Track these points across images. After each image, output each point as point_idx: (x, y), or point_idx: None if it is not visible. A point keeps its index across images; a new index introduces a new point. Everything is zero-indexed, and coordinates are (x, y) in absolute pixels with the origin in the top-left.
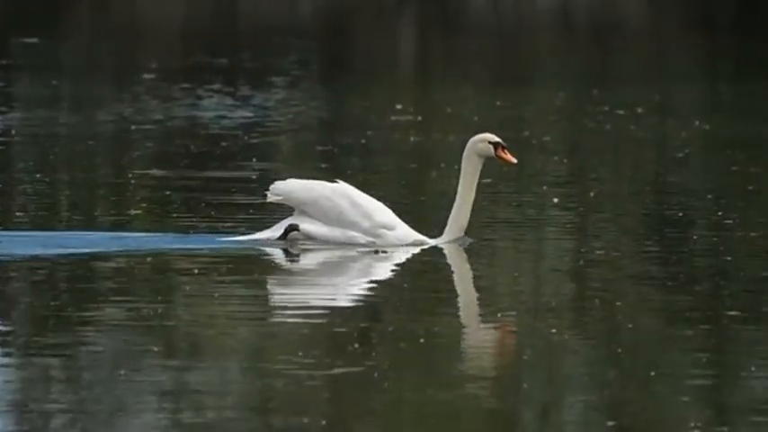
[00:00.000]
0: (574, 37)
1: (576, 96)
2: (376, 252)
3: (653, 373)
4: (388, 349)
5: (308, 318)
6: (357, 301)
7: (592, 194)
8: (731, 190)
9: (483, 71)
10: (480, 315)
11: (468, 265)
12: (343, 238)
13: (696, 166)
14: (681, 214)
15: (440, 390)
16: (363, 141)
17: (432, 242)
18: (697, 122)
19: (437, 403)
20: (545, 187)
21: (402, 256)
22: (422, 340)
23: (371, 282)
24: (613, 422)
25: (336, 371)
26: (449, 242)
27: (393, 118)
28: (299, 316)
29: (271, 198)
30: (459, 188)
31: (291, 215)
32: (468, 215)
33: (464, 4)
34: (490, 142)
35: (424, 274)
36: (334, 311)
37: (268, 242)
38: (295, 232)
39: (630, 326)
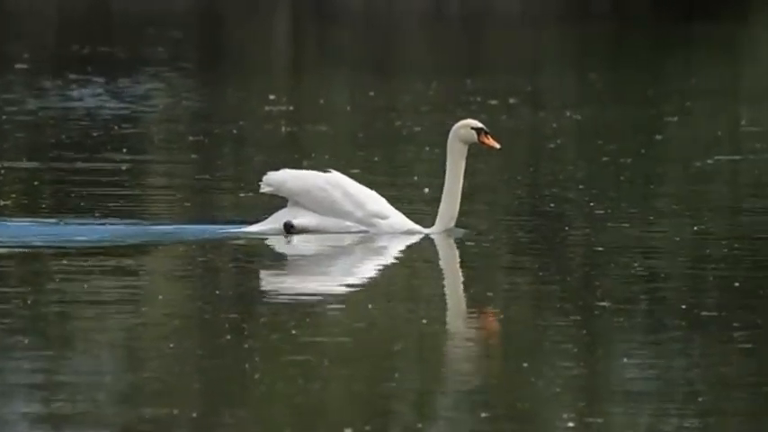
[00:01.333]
0: (447, 27)
1: (449, 86)
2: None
3: (525, 364)
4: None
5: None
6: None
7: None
8: (602, 180)
9: (356, 61)
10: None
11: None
12: (337, 228)
13: (567, 156)
14: (553, 205)
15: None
16: (235, 131)
17: (425, 231)
18: (568, 113)
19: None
20: (416, 178)
21: (388, 245)
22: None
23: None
24: (487, 413)
25: (207, 363)
26: (441, 232)
27: (266, 108)
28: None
29: (263, 189)
30: (447, 177)
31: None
32: (458, 203)
33: None
34: (472, 128)
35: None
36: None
37: (262, 234)
38: (292, 228)
39: (503, 316)
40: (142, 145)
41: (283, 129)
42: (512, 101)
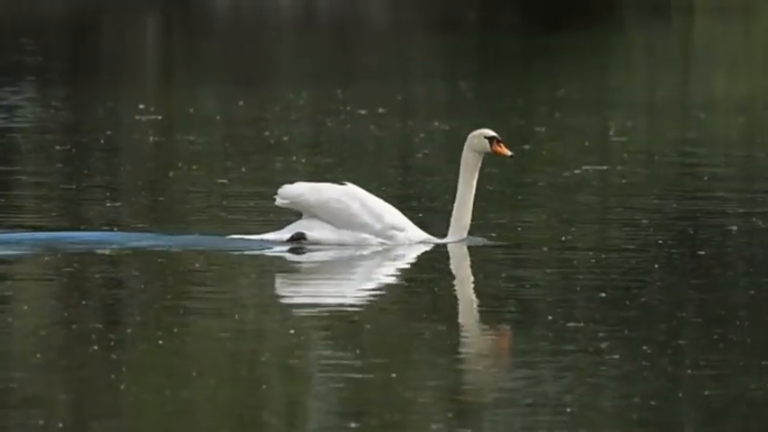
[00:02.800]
0: (318, 35)
1: (320, 96)
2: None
3: (394, 375)
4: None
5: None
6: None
7: None
8: None
9: (227, 71)
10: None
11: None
12: (353, 241)
13: (435, 165)
14: (420, 215)
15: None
16: (103, 141)
17: (439, 242)
18: (436, 122)
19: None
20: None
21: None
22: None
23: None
24: (356, 423)
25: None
26: (455, 242)
27: (136, 117)
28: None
29: (279, 202)
30: (459, 186)
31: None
32: (470, 213)
33: (208, 5)
34: (485, 137)
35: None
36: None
37: (274, 243)
38: (303, 240)
39: (369, 326)
40: (8, 155)
41: (151, 138)
42: (381, 110)
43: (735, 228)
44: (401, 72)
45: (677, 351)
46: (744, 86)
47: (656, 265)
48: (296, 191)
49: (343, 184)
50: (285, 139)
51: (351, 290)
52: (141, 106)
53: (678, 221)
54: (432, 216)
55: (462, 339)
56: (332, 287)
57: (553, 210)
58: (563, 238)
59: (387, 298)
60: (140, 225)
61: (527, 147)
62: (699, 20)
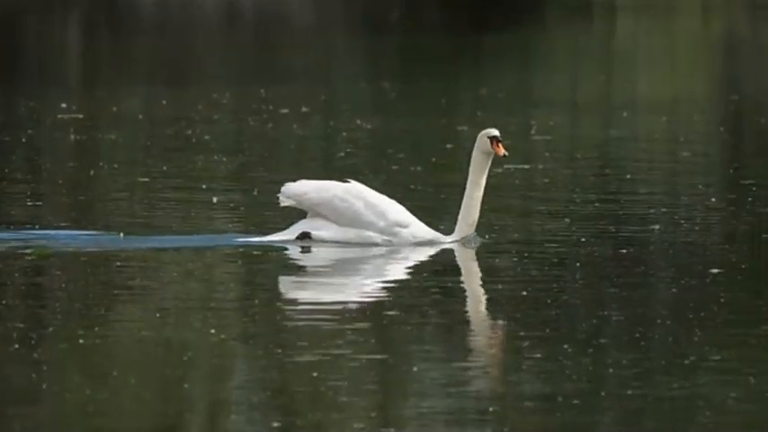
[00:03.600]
0: (242, 34)
1: (243, 95)
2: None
3: (315, 374)
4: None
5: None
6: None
7: (255, 193)
8: (393, 188)
9: (150, 70)
10: None
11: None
12: (358, 239)
13: (358, 164)
14: None
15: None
16: (24, 140)
17: (446, 240)
18: (359, 121)
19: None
20: (204, 186)
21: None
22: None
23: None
24: (279, 423)
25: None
26: (460, 240)
27: (58, 116)
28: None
29: (283, 202)
30: (467, 185)
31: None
32: (477, 212)
33: (133, 3)
34: (488, 137)
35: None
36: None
37: (279, 243)
38: (307, 239)
39: (288, 324)
40: None
41: (72, 137)
42: (304, 109)
43: (657, 226)
44: (324, 71)
45: (599, 350)
46: (666, 85)
47: (578, 264)
48: (300, 189)
49: (347, 182)
50: (207, 138)
51: (353, 290)
52: (63, 105)
53: (600, 220)
54: None
55: (386, 340)
56: (335, 285)
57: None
58: (486, 237)
59: (373, 299)
60: (63, 224)
61: (449, 146)
62: (622, 19)
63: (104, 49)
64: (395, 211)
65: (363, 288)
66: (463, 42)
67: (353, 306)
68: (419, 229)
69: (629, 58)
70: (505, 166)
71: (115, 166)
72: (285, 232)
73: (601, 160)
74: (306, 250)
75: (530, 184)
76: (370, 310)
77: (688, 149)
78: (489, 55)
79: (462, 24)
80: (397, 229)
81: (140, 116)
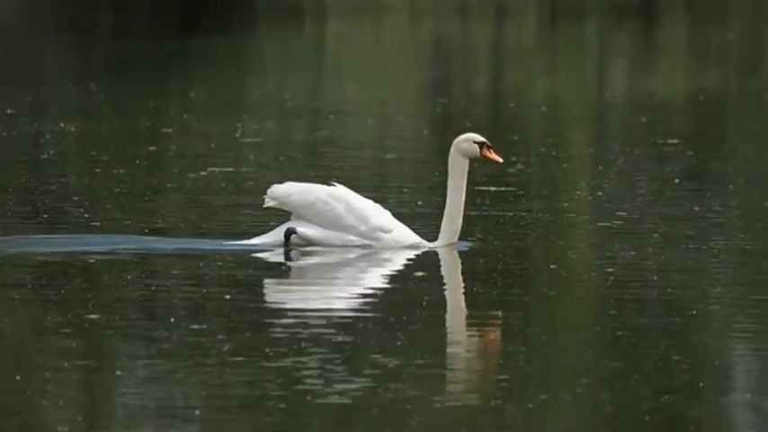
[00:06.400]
0: None
1: None
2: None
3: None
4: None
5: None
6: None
7: None
8: (95, 191)
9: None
10: None
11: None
12: (339, 242)
13: (61, 166)
14: (45, 216)
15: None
16: None
17: (429, 246)
18: (63, 123)
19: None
20: None
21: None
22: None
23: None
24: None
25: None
26: (444, 246)
27: None
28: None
29: (268, 203)
30: (449, 191)
31: (287, 220)
32: (461, 217)
33: None
34: (475, 141)
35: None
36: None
37: (264, 247)
38: (294, 236)
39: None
40: None
41: None
42: (10, 111)
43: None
44: (31, 73)
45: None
46: (375, 88)
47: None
48: (284, 191)
49: (332, 185)
50: None
51: (335, 296)
52: None
53: None
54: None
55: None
56: (319, 292)
57: (182, 209)
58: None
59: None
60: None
61: (153, 148)
62: (332, 22)
63: None
64: (377, 215)
65: (343, 294)
66: (173, 46)
67: (335, 312)
68: (402, 234)
69: (340, 61)
70: (209, 169)
71: None
72: (269, 234)
73: (308, 163)
74: (289, 257)
75: (235, 187)
76: (350, 318)
77: (394, 153)
78: (199, 59)
79: (173, 28)
80: (379, 233)
81: None
